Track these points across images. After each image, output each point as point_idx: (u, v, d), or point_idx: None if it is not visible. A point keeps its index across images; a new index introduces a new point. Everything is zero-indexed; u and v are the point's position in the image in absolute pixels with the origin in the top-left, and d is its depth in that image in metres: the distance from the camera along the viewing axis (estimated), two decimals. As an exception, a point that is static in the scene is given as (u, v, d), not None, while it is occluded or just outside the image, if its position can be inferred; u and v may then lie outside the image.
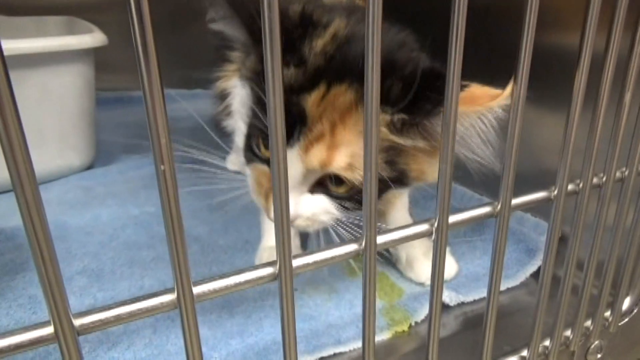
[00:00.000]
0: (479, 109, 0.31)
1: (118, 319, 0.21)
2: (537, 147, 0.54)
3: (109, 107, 1.03)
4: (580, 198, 0.33)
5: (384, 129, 0.35)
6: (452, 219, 0.29)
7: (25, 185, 0.18)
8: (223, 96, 0.50)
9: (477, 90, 0.33)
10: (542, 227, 0.54)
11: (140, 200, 0.67)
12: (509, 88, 0.28)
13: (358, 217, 0.41)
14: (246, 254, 0.56)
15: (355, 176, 0.35)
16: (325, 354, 0.41)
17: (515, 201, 0.30)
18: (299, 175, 0.37)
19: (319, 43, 0.37)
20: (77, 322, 0.20)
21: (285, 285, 0.24)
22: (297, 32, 0.37)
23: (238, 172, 0.50)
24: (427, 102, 0.33)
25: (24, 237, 0.62)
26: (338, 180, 0.37)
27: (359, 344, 0.42)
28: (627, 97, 0.31)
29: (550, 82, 0.46)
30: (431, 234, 0.28)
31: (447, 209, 0.28)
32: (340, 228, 0.40)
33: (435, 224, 0.28)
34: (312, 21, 0.38)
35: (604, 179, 0.34)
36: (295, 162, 0.36)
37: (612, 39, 0.30)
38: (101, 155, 0.82)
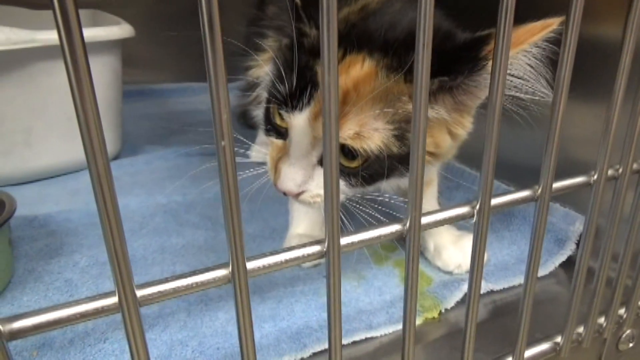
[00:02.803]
0: (523, 47, 0.32)
1: (176, 291, 0.22)
2: (568, 135, 0.54)
3: (132, 99, 1.04)
4: (620, 183, 0.33)
5: (404, 98, 0.36)
6: (494, 201, 0.29)
7: (100, 164, 0.18)
8: (254, 86, 0.51)
9: (515, 31, 0.32)
10: (571, 217, 0.54)
11: (167, 190, 0.69)
12: (550, 22, 0.29)
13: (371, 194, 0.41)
14: (274, 241, 0.57)
15: (363, 145, 0.35)
16: (357, 338, 0.41)
17: (556, 185, 0.30)
18: (308, 143, 0.37)
19: (344, 10, 0.38)
20: (139, 293, 0.21)
21: (333, 263, 0.24)
22: None
23: (262, 163, 0.50)
24: (467, 61, 0.33)
25: (56, 224, 0.64)
26: (351, 153, 0.37)
27: (389, 330, 0.43)
28: (670, 81, 0.31)
29: (580, 70, 0.45)
30: (472, 216, 0.29)
31: (489, 191, 0.28)
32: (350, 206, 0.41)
33: (477, 206, 0.28)
34: None
35: (644, 164, 0.34)
36: (305, 128, 0.36)
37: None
38: (127, 146, 0.84)
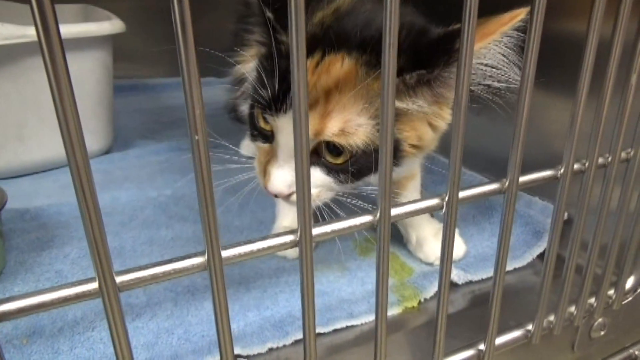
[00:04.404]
0: (494, 37, 0.33)
1: (154, 278, 0.23)
2: (547, 130, 0.55)
3: (124, 94, 1.05)
4: (586, 177, 0.34)
5: None
6: (462, 194, 0.30)
7: (78, 156, 0.19)
8: (241, 81, 0.52)
9: (485, 23, 0.34)
10: (549, 210, 0.55)
11: (157, 184, 0.70)
12: (518, 12, 0.31)
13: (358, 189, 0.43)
14: (261, 234, 0.57)
15: (349, 142, 0.37)
16: (338, 326, 0.43)
17: (523, 178, 0.32)
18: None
19: (318, 15, 0.39)
20: (119, 279, 0.22)
21: (305, 251, 0.26)
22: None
23: (251, 157, 0.51)
24: (443, 54, 0.34)
25: (47, 217, 0.65)
26: (336, 150, 0.38)
27: (370, 318, 0.44)
28: (633, 78, 0.32)
29: (559, 66, 0.47)
30: (442, 207, 0.30)
31: (457, 183, 0.29)
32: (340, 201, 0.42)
33: (446, 198, 0.30)
34: None
35: (610, 159, 0.35)
36: (290, 129, 0.37)
37: (619, 22, 0.31)
38: (118, 140, 0.85)
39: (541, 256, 0.53)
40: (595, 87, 0.33)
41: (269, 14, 0.36)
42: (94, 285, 0.22)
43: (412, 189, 0.54)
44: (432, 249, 0.52)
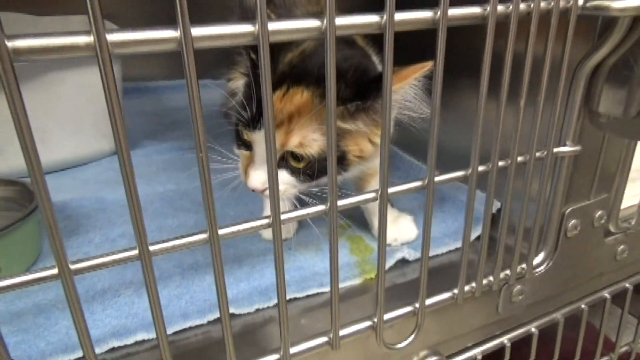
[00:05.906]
0: (410, 81, 0.45)
1: (174, 248, 0.35)
2: (502, 134, 0.66)
3: (127, 96, 1.15)
4: (490, 176, 0.46)
5: None
6: (391, 189, 0.42)
7: (125, 158, 0.31)
8: (233, 94, 0.63)
9: (404, 70, 0.46)
10: (488, 201, 0.67)
11: (163, 180, 0.81)
12: (426, 63, 0.43)
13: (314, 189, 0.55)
14: (251, 222, 0.69)
15: (306, 152, 0.49)
16: (310, 292, 0.55)
17: (439, 178, 0.43)
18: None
19: (289, 56, 0.51)
20: (152, 247, 0.34)
21: (276, 230, 0.37)
22: (277, 47, 0.50)
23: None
24: (374, 89, 0.46)
25: (71, 209, 0.78)
26: (297, 157, 0.50)
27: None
28: (521, 103, 0.44)
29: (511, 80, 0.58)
30: (376, 199, 0.42)
31: (386, 182, 0.41)
32: (304, 196, 0.55)
33: (379, 193, 0.41)
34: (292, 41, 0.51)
35: (509, 161, 0.46)
36: (264, 141, 0.49)
37: (528, 49, 0.42)
38: (126, 141, 0.96)
39: (479, 237, 0.65)
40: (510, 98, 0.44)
41: (253, 56, 0.47)
42: (135, 252, 0.34)
43: (375, 185, 0.65)
44: (389, 233, 0.63)
